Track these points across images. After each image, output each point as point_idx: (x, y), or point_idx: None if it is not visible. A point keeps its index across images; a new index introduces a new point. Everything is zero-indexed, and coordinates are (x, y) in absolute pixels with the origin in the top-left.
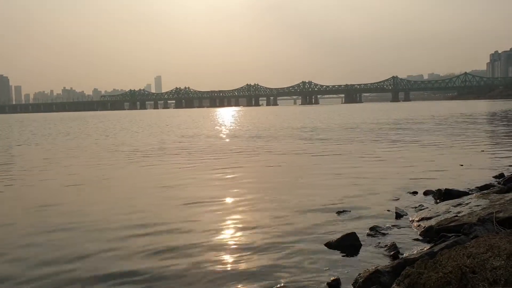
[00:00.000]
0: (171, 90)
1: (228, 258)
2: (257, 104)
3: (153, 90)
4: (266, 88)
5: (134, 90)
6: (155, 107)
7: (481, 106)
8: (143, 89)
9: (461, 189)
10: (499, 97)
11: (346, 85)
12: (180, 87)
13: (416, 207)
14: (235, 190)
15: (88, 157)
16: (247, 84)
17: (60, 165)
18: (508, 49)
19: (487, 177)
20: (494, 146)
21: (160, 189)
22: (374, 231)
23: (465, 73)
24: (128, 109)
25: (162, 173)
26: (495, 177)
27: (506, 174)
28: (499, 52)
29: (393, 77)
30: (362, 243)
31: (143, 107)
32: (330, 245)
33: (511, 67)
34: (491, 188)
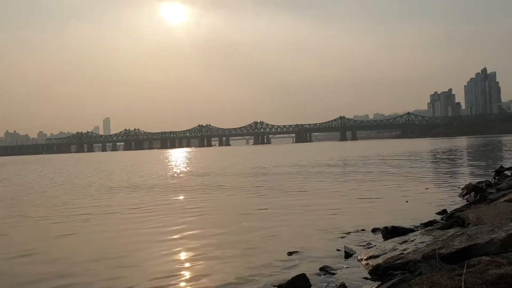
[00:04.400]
0: (120, 132)
1: None
2: (209, 144)
3: (101, 132)
4: (218, 128)
5: (82, 132)
6: (103, 149)
7: (425, 144)
8: (91, 132)
9: (407, 226)
10: (441, 135)
11: (297, 125)
12: (129, 129)
13: (364, 245)
14: (175, 236)
15: None
16: (199, 124)
17: None
18: (447, 90)
19: (431, 213)
20: (438, 183)
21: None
22: (324, 271)
23: (408, 113)
24: (75, 152)
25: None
26: (438, 213)
27: (448, 210)
28: (439, 93)
29: (341, 117)
30: (312, 283)
31: (90, 149)
32: (281, 287)
33: (450, 106)
34: (434, 224)
